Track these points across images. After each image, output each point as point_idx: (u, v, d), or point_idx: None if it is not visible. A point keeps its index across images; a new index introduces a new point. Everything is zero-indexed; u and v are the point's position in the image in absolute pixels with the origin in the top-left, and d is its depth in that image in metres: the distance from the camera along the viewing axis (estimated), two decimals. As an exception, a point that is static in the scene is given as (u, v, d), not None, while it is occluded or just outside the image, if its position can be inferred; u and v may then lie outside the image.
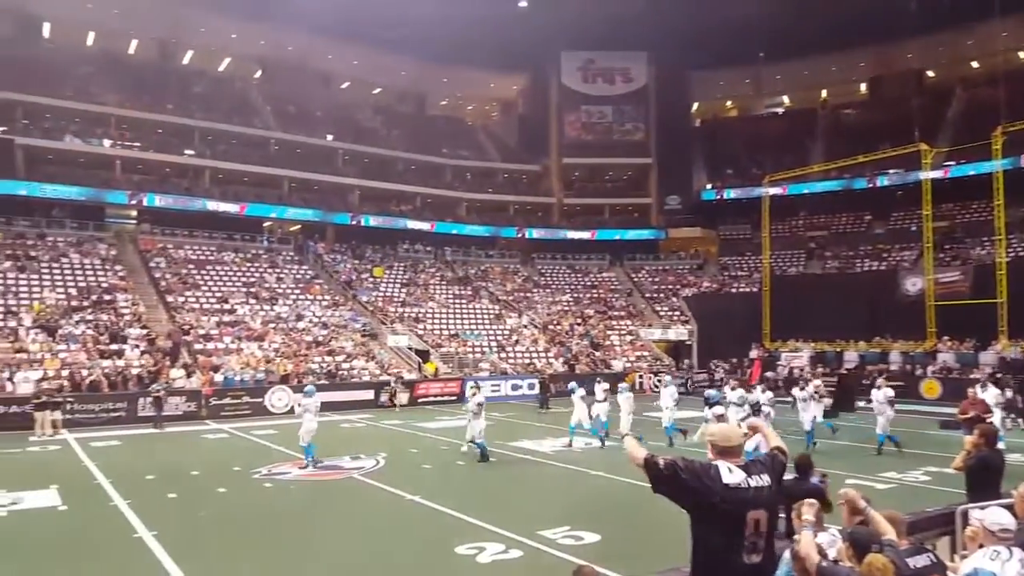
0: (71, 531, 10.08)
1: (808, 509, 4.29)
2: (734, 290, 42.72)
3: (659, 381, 33.75)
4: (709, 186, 50.72)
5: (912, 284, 34.02)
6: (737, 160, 50.96)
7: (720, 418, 13.20)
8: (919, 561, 4.14)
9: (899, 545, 4.16)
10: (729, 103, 59.36)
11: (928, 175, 33.52)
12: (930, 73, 51.06)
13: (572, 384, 18.59)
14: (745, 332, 35.13)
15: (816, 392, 17.89)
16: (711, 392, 15.04)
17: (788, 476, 6.39)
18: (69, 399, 21.43)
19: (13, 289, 28.44)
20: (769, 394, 18.01)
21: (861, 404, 24.51)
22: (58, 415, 20.21)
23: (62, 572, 8.41)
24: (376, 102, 54.05)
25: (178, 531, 9.82)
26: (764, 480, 3.69)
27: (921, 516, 6.25)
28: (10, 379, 22.11)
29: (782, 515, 5.12)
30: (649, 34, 45.68)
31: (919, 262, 34.94)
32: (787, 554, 4.42)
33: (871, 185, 43.93)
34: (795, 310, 34.25)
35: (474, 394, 15.93)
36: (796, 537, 4.52)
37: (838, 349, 32.93)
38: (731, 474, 3.62)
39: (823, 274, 41.34)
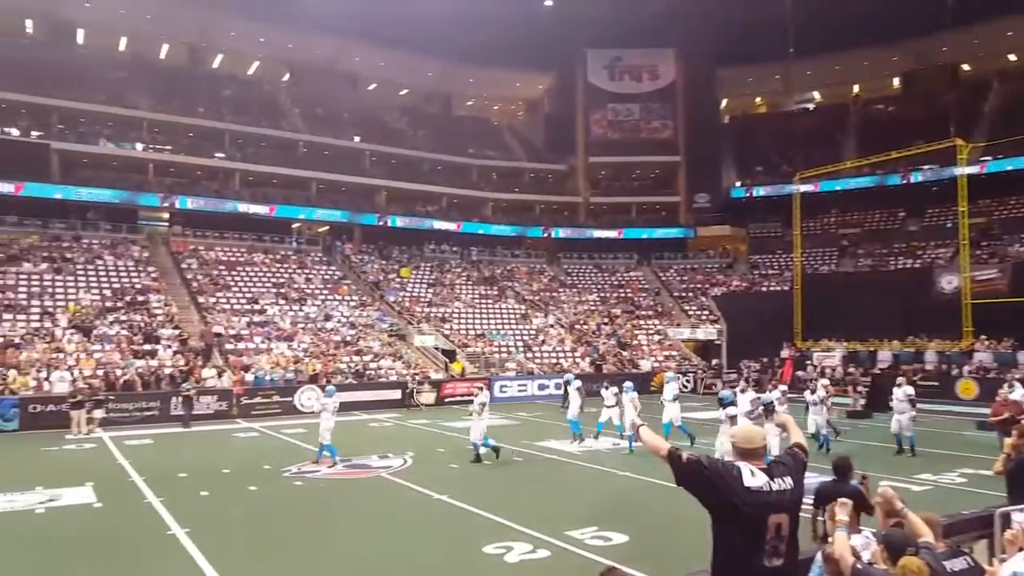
0: (106, 528, 10.24)
1: (842, 509, 4.21)
2: (764, 289, 42.20)
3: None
4: (738, 184, 50.19)
5: (948, 282, 33.35)
6: (767, 157, 50.36)
7: (733, 419, 13.14)
8: (956, 564, 4.05)
9: (936, 548, 4.07)
10: (758, 99, 58.76)
11: (964, 171, 32.80)
12: (966, 67, 50.04)
13: (568, 376, 18.34)
14: (776, 331, 34.69)
15: (827, 395, 17.49)
16: (725, 393, 14.89)
17: (827, 479, 6.32)
18: (111, 397, 21.86)
19: (49, 290, 29.04)
20: (778, 392, 17.76)
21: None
22: (100, 413, 20.61)
23: (98, 568, 8.54)
24: (403, 103, 54.36)
25: (210, 528, 9.95)
26: (787, 483, 3.62)
27: (957, 519, 6.11)
28: (47, 379, 22.56)
29: (820, 518, 5.04)
30: (676, 31, 45.43)
31: (955, 259, 34.23)
32: (819, 556, 4.35)
33: (905, 181, 43.14)
34: (827, 309, 33.72)
35: (475, 394, 15.90)
36: (829, 539, 4.43)
37: (871, 348, 32.40)
38: (753, 477, 3.56)
39: (856, 272, 40.68)
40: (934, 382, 28.51)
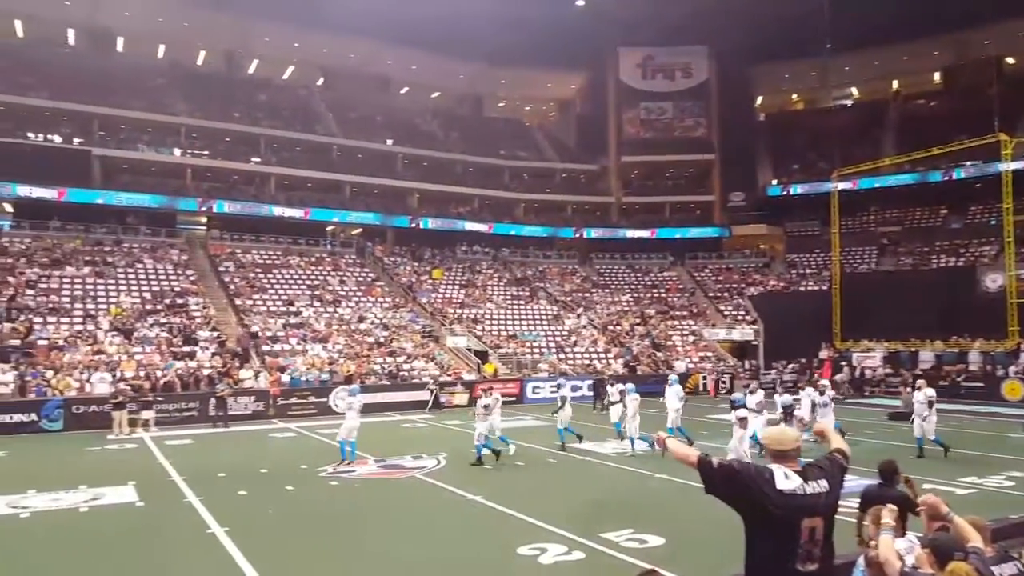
0: (148, 526, 10.41)
1: (888, 513, 4.11)
2: (802, 288, 41.62)
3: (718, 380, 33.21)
4: (775, 182, 49.55)
5: (992, 280, 32.56)
6: (804, 154, 49.65)
7: (743, 421, 13.17)
8: (1006, 570, 3.93)
9: (984, 553, 3.95)
10: (795, 96, 57.84)
11: (1008, 166, 31.98)
12: (1010, 60, 48.74)
13: (560, 379, 18.20)
14: (814, 332, 34.16)
15: (833, 395, 17.06)
16: (736, 395, 14.93)
17: (872, 482, 6.19)
18: (159, 398, 22.27)
19: (92, 294, 29.69)
20: (787, 396, 17.45)
21: (940, 407, 23.59)
22: (150, 414, 21.03)
23: (139, 566, 8.66)
24: (435, 106, 54.66)
25: (248, 527, 10.06)
26: (821, 486, 3.57)
27: (1006, 523, 5.94)
28: (88, 380, 23.04)
29: (865, 522, 4.93)
30: (709, 28, 44.96)
31: (1000, 257, 33.41)
32: (861, 560, 4.25)
33: (947, 178, 42.26)
34: (867, 309, 33.15)
35: (479, 396, 15.83)
36: (872, 542, 4.33)
37: (913, 349, 31.75)
38: (787, 480, 3.51)
39: (896, 271, 39.93)
40: (979, 383, 27.91)
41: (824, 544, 3.54)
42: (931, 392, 15.95)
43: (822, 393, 16.50)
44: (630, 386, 17.27)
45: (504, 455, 15.37)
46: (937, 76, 52.15)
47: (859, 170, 38.31)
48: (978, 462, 14.73)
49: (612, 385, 18.62)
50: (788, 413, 16.06)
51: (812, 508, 3.50)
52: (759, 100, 55.67)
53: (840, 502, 3.72)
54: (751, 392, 16.25)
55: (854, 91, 56.00)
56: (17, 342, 24.51)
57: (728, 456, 11.39)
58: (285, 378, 26.00)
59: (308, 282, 36.05)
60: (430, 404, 26.49)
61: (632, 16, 43.59)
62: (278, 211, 40.33)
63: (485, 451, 15.01)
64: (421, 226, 44.17)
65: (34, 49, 40.89)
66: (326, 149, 44.53)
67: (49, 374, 22.88)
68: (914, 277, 37.65)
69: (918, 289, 33.85)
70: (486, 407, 15.24)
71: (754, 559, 3.57)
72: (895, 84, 53.29)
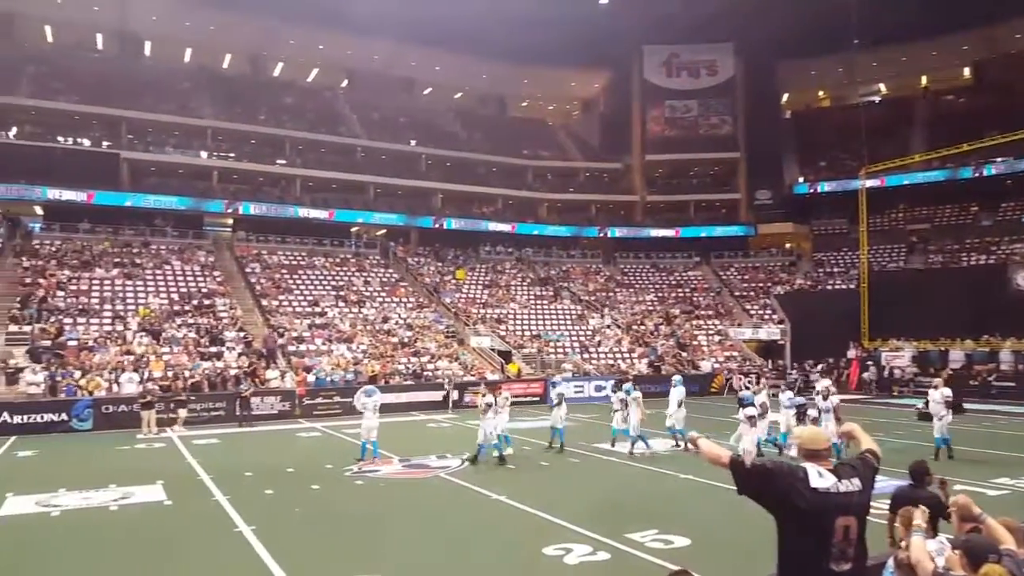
0: (176, 525, 10.53)
1: (919, 514, 4.04)
2: (830, 287, 41.12)
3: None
4: (801, 179, 49.06)
5: (1024, 278, 31.98)
6: (831, 152, 49.06)
7: (751, 419, 12.99)
8: (1041, 573, 3.83)
9: (1018, 555, 3.86)
10: (821, 93, 57.21)
11: (1041, 162, 31.43)
12: (1042, 53, 47.80)
13: (556, 378, 18.01)
14: (842, 331, 33.74)
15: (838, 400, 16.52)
16: (745, 394, 14.80)
17: (903, 483, 6.11)
18: (192, 397, 22.55)
19: (120, 295, 30.11)
20: (789, 394, 17.23)
21: (971, 407, 23.23)
22: (184, 412, 21.33)
23: (168, 564, 8.76)
24: (458, 106, 54.78)
25: (275, 526, 10.13)
26: (855, 484, 3.56)
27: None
28: (116, 380, 23.35)
29: (896, 524, 4.88)
30: (735, 25, 44.58)
31: (1033, 255, 32.82)
32: (891, 561, 4.19)
33: (977, 174, 41.50)
34: (896, 307, 32.66)
35: (483, 395, 15.82)
36: (902, 543, 4.27)
37: (943, 348, 31.24)
38: (820, 478, 3.50)
39: (926, 269, 39.29)
40: (1010, 382, 27.43)
41: (857, 544, 3.53)
42: (947, 391, 15.69)
43: (825, 398, 15.63)
44: (628, 386, 17.14)
45: (500, 455, 15.40)
46: (967, 71, 51.27)
47: (887, 167, 37.82)
48: (1011, 463, 14.47)
49: (615, 393, 17.90)
50: (801, 412, 15.87)
51: (846, 506, 3.49)
52: (785, 97, 55.10)
53: (871, 503, 3.68)
54: (755, 393, 16.10)
55: (882, 87, 55.26)
56: (48, 343, 24.90)
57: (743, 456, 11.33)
58: (311, 378, 26.18)
59: (333, 283, 36.30)
60: (449, 404, 26.60)
61: (656, 14, 43.29)
62: (303, 212, 40.68)
63: (497, 453, 15.07)
64: (445, 226, 44.29)
65: (64, 54, 41.65)
66: (350, 150, 44.83)
67: (78, 374, 23.22)
68: (944, 275, 37.05)
69: (948, 287, 33.29)
70: (489, 405, 15.23)
71: (787, 558, 3.56)
72: (924, 79, 52.52)
